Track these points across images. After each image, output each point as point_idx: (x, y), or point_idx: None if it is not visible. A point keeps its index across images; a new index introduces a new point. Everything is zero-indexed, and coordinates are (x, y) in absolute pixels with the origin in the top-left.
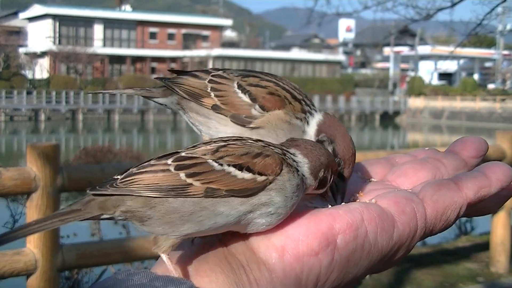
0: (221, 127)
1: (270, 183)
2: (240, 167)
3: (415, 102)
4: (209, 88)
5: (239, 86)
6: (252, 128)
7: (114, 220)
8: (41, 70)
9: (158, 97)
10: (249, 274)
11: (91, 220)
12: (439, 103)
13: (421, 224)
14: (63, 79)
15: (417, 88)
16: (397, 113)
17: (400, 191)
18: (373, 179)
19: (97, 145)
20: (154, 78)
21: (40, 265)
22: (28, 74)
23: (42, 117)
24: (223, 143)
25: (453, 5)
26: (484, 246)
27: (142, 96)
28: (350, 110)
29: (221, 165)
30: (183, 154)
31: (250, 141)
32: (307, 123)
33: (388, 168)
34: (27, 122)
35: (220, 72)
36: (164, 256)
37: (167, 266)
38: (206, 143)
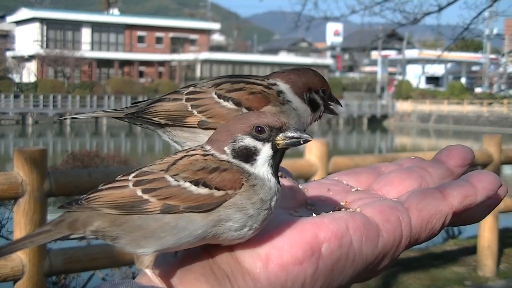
0: None
1: (230, 197)
2: (196, 183)
3: (403, 106)
4: (190, 107)
5: (219, 96)
6: None
7: (86, 239)
8: (29, 73)
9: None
10: (234, 283)
11: (62, 240)
12: (427, 106)
13: (406, 233)
14: (50, 83)
15: (405, 91)
16: (384, 116)
17: (385, 200)
18: (358, 188)
19: (85, 149)
20: (124, 115)
21: (27, 270)
22: (16, 77)
23: (30, 120)
24: (180, 156)
25: (440, 9)
26: (472, 250)
27: (114, 118)
28: (338, 113)
29: (177, 180)
30: (145, 169)
31: (200, 154)
32: (288, 101)
33: (374, 177)
34: (14, 125)
35: (191, 88)
36: (148, 271)
37: (153, 280)
38: (164, 157)
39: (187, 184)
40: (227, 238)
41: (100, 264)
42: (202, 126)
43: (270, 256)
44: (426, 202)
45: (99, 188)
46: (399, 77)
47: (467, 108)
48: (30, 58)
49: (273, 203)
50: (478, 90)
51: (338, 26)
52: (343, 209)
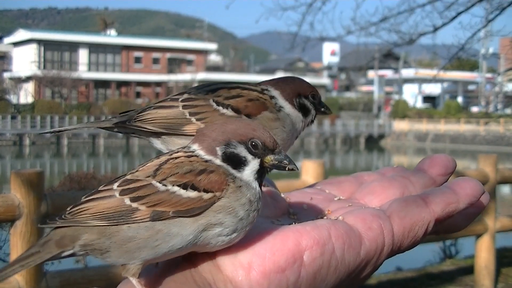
0: None
1: (218, 199)
2: (184, 186)
3: (400, 125)
4: (188, 114)
5: (217, 103)
6: None
7: (76, 256)
8: (26, 94)
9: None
10: None
11: (53, 260)
12: (424, 126)
13: (388, 241)
14: (47, 104)
15: (402, 111)
16: (382, 136)
17: (367, 208)
18: (341, 197)
19: (82, 171)
20: (113, 124)
21: None
22: (13, 99)
23: (27, 141)
24: (163, 160)
25: (435, 30)
26: (469, 270)
27: (101, 128)
28: (335, 133)
29: (165, 185)
30: (128, 177)
31: (184, 156)
32: (281, 106)
33: (356, 186)
34: (11, 146)
35: (186, 95)
36: (133, 280)
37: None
38: (146, 162)
39: (176, 188)
40: (217, 244)
41: (97, 286)
42: None
43: (252, 264)
44: (408, 209)
45: (82, 200)
46: (396, 97)
47: (464, 127)
48: (27, 79)
49: (259, 205)
50: (474, 109)
51: (335, 46)
52: (325, 218)
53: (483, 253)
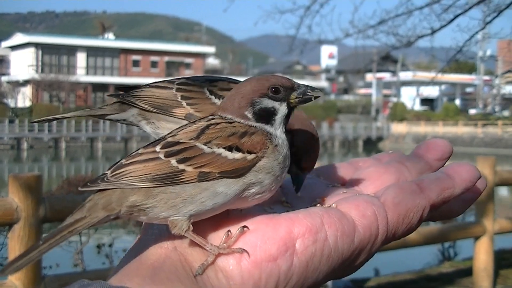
0: None
1: (260, 159)
2: (229, 148)
3: (398, 128)
4: (180, 97)
5: (211, 92)
6: None
7: (120, 219)
8: (24, 98)
9: (114, 113)
10: (206, 281)
11: (98, 225)
12: (422, 128)
13: (382, 228)
14: (45, 108)
15: (400, 113)
16: (380, 138)
17: (361, 195)
18: (336, 184)
19: (80, 174)
20: (107, 95)
21: None
22: (11, 102)
23: (25, 145)
24: (205, 125)
25: (433, 32)
26: (468, 272)
27: (93, 116)
28: (333, 136)
29: (211, 148)
30: (169, 139)
31: (225, 122)
32: None
33: (351, 172)
34: (9, 150)
35: (183, 80)
36: (188, 234)
37: (195, 241)
38: (184, 127)
39: (221, 150)
40: (253, 201)
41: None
42: (189, 119)
43: (243, 253)
44: (403, 196)
45: (123, 163)
46: (394, 99)
47: (462, 130)
48: (25, 83)
49: (289, 161)
50: (472, 111)
51: (333, 49)
52: (318, 205)
53: (482, 255)
